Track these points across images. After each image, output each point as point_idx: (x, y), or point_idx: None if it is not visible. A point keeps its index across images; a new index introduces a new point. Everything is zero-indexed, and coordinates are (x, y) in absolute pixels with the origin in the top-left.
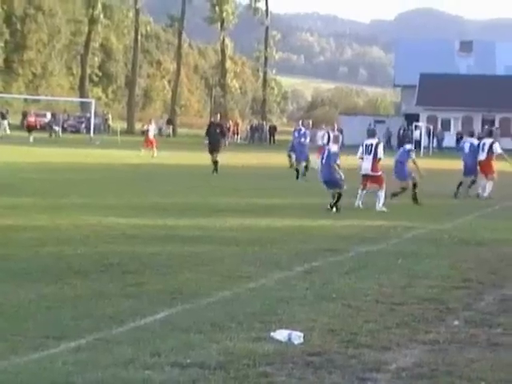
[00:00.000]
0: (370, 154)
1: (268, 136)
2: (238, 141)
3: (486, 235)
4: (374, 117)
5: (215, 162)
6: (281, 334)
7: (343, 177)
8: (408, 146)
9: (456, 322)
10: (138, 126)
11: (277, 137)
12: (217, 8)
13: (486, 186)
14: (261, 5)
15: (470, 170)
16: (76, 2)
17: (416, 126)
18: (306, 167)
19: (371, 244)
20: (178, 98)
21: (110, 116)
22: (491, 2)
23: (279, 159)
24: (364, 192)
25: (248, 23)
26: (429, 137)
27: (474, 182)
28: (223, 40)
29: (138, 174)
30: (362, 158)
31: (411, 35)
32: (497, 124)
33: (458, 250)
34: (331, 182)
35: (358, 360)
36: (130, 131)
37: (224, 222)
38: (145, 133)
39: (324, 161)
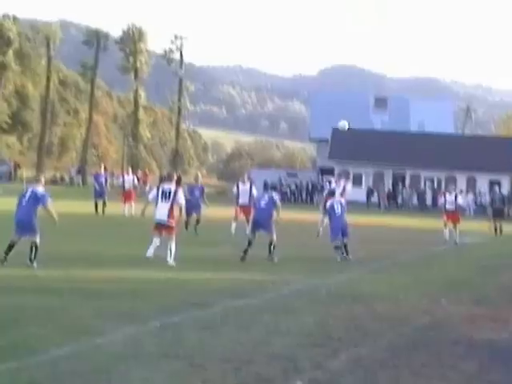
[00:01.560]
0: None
1: None
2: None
3: (365, 290)
4: (287, 170)
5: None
6: None
7: None
8: (274, 194)
9: (298, 383)
10: (49, 175)
11: None
12: (130, 58)
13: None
14: (176, 55)
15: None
16: None
17: (330, 181)
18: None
19: (244, 298)
20: (92, 147)
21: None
22: (412, 61)
23: None
24: None
25: (171, 74)
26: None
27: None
28: (136, 89)
29: None
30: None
31: (332, 90)
32: (407, 180)
33: (332, 305)
34: None
35: None
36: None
37: (98, 272)
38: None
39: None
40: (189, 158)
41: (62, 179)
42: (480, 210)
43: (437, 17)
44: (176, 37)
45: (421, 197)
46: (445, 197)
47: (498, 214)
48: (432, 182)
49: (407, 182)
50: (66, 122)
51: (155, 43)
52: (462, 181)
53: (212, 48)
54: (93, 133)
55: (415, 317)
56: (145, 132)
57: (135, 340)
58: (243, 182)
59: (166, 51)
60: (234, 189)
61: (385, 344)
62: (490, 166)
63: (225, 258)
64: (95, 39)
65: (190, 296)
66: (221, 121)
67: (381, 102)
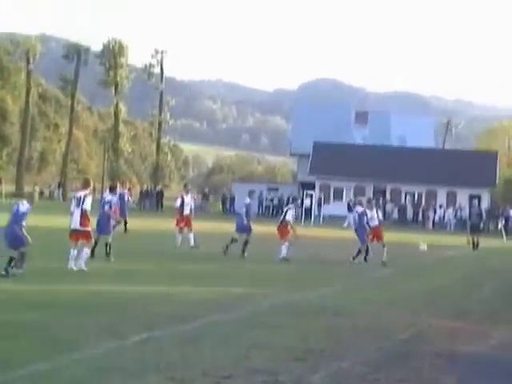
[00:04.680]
0: None
1: (155, 201)
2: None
3: (346, 304)
4: (268, 184)
5: None
6: None
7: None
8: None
9: None
10: (27, 189)
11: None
12: (111, 72)
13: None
14: (157, 70)
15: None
16: None
17: (307, 195)
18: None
19: (224, 312)
20: (72, 162)
21: None
22: (392, 75)
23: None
24: None
25: (152, 88)
26: (319, 205)
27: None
28: (117, 104)
29: None
30: None
31: (313, 105)
32: (388, 194)
33: (314, 319)
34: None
35: None
36: (19, 194)
37: (85, 286)
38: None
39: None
40: (170, 173)
41: (42, 193)
42: (460, 225)
43: (417, 32)
44: (156, 51)
45: (402, 211)
46: (366, 214)
47: (475, 229)
48: (413, 196)
49: (388, 196)
50: (45, 137)
51: (136, 57)
52: (442, 195)
53: (193, 62)
54: (73, 147)
55: (396, 330)
56: (125, 146)
57: (115, 355)
58: (186, 193)
59: (146, 65)
60: (178, 201)
61: (365, 358)
62: (470, 180)
63: (204, 271)
64: (75, 53)
65: (173, 309)
66: (202, 135)
67: (362, 117)
